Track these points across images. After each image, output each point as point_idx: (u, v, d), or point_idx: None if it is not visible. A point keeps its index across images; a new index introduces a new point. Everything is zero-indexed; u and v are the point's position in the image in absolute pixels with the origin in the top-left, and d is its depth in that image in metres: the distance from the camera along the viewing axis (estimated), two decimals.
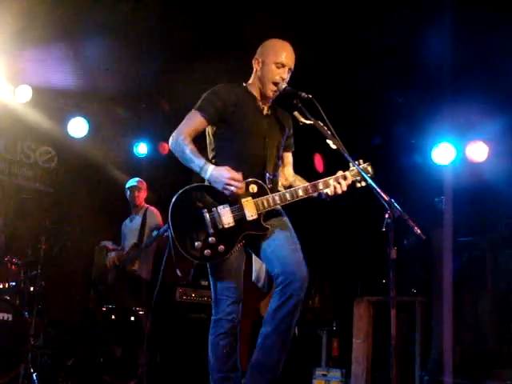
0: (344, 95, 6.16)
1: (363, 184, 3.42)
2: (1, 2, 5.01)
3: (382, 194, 3.01)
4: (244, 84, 3.58)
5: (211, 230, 3.23)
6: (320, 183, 3.42)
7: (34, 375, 5.18)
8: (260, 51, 3.54)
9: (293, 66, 3.47)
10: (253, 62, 3.55)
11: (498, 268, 6.16)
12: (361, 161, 3.41)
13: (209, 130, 3.51)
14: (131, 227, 6.54)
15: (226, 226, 3.25)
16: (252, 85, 3.56)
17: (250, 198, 3.31)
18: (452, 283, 5.96)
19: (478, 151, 6.38)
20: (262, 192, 3.34)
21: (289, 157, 3.74)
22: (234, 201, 3.29)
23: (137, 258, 6.30)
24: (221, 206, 3.28)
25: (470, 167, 6.36)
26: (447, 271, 6.05)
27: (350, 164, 3.40)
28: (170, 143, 3.42)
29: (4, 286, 5.44)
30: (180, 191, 3.30)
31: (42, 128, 6.85)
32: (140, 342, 5.86)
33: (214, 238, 3.23)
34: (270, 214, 3.39)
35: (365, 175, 3.16)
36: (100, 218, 7.12)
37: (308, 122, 3.30)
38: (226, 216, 3.26)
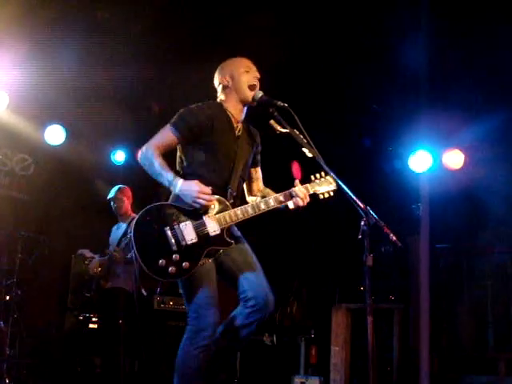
0: (321, 103, 6.18)
1: (326, 195, 3.52)
2: None
3: (358, 201, 3.03)
4: (219, 101, 3.58)
5: (174, 248, 3.22)
6: (281, 196, 3.48)
7: None
8: (223, 71, 3.58)
9: (258, 74, 3.53)
10: (218, 83, 3.58)
11: (473, 275, 6.22)
12: (322, 173, 3.48)
13: (179, 145, 3.52)
14: (116, 235, 6.45)
15: (189, 243, 3.24)
16: (227, 101, 3.55)
17: (212, 214, 3.33)
18: (429, 290, 6.01)
19: (455, 159, 6.43)
20: (224, 208, 3.37)
21: (257, 172, 3.76)
22: (196, 217, 3.30)
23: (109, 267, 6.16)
24: (183, 223, 3.28)
25: (447, 175, 6.41)
26: (424, 278, 6.10)
27: (312, 176, 3.50)
28: (139, 155, 3.42)
29: None
30: (142, 210, 3.29)
31: (19, 135, 6.79)
32: (118, 351, 5.81)
33: (177, 255, 3.21)
34: (233, 237, 3.42)
35: (341, 184, 3.17)
36: (78, 227, 7.07)
37: (284, 130, 3.32)
38: (189, 232, 3.26)
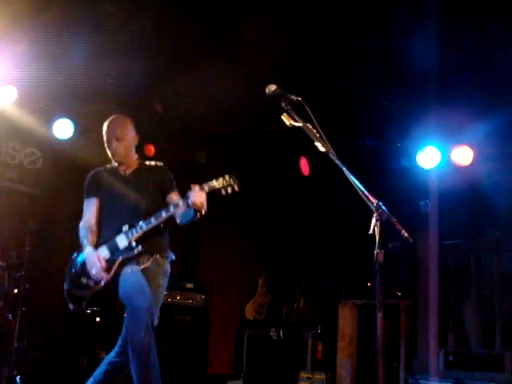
0: (331, 99, 6.17)
1: (229, 190, 3.97)
2: None
3: (370, 196, 3.02)
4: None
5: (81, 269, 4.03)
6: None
7: (18, 378, 5.14)
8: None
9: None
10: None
11: (481, 271, 6.21)
12: (226, 176, 3.97)
13: None
14: None
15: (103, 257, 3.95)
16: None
17: (121, 234, 4.00)
18: (437, 286, 6.01)
19: (464, 155, 6.42)
20: (131, 226, 4.00)
21: (173, 196, 4.19)
22: (111, 239, 4.03)
23: None
24: (99, 248, 4.02)
25: (455, 171, 6.39)
26: (433, 274, 6.09)
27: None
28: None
29: None
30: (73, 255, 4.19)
31: (27, 129, 6.80)
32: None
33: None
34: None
35: (352, 178, 3.16)
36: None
37: (297, 124, 3.30)
38: (103, 252, 3.98)
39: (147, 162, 4.35)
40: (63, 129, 7.06)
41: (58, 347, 6.28)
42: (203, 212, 3.97)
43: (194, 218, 4.02)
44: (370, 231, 3.01)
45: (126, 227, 4.01)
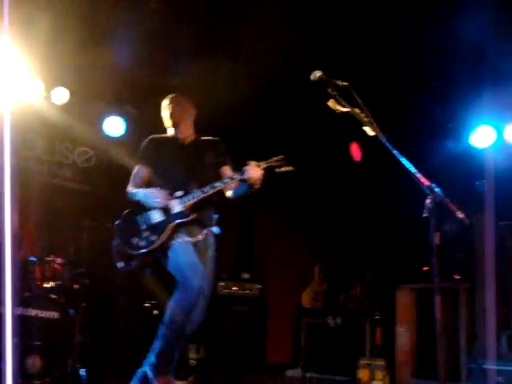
0: (379, 81, 6.10)
1: (283, 170, 4.16)
2: (36, 6, 5.08)
3: (423, 179, 2.98)
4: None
5: (144, 227, 4.02)
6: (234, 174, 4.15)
7: (82, 371, 5.27)
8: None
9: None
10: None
11: None
12: (282, 156, 4.19)
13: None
14: None
15: (155, 222, 4.01)
16: None
17: (175, 198, 4.06)
18: (496, 268, 5.88)
19: None
20: (187, 193, 4.08)
21: (227, 170, 4.35)
22: (163, 203, 4.07)
23: None
24: (150, 210, 4.07)
25: (510, 150, 6.25)
26: (489, 256, 5.97)
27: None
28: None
29: (50, 285, 5.53)
30: (122, 214, 4.20)
31: (80, 128, 6.93)
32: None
33: (147, 233, 3.99)
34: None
35: (405, 161, 3.12)
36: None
37: (344, 109, 3.27)
38: (155, 215, 4.03)
39: (203, 137, 4.46)
40: (114, 126, 7.18)
41: (119, 341, 6.39)
42: (256, 188, 4.06)
43: (246, 192, 4.12)
44: (425, 214, 2.97)
45: (180, 193, 4.07)
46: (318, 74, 3.39)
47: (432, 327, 3.00)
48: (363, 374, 6.17)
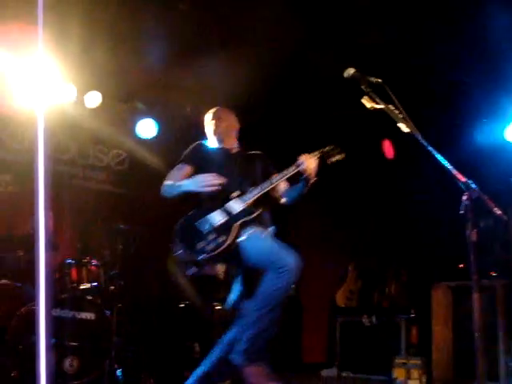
0: (412, 78, 6.05)
1: (335, 159, 4.13)
2: (69, 12, 5.15)
3: (459, 175, 2.94)
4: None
5: (208, 230, 3.87)
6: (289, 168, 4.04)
7: (119, 371, 5.33)
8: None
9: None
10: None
11: None
12: (332, 145, 4.17)
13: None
14: None
15: (219, 224, 3.87)
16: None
17: (234, 199, 3.96)
18: None
19: None
20: (243, 193, 4.00)
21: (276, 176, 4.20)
22: (221, 205, 3.95)
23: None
24: (211, 213, 3.93)
25: None
26: None
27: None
28: (162, 190, 4.23)
29: (86, 287, 5.60)
30: (181, 220, 4.05)
31: (113, 131, 7.01)
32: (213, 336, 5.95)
33: (213, 235, 3.83)
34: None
35: (440, 158, 3.08)
36: (172, 217, 7.22)
37: (378, 106, 3.25)
38: (217, 216, 3.90)
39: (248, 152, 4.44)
40: (147, 128, 7.25)
41: (155, 341, 6.44)
42: (312, 181, 4.00)
43: (302, 191, 4.06)
44: (461, 210, 2.94)
45: (236, 193, 3.99)
46: (351, 71, 3.38)
47: (469, 325, 2.96)
48: (399, 373, 6.12)
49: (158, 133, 7.29)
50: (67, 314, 5.20)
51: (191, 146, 4.35)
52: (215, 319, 6.22)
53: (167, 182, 4.21)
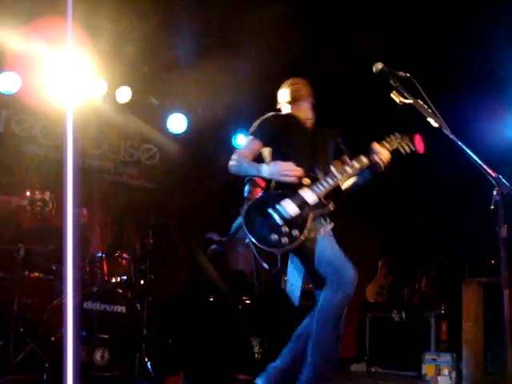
0: (442, 71, 5.99)
1: (407, 149, 4.07)
2: (99, 7, 5.20)
3: (489, 170, 2.92)
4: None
5: (281, 222, 3.63)
6: (362, 157, 3.92)
7: (149, 364, 5.38)
8: None
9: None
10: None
11: None
12: (403, 134, 4.09)
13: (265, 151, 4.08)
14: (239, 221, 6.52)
15: (293, 215, 3.66)
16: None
17: (305, 187, 3.76)
18: None
19: None
20: (315, 180, 3.80)
21: (346, 160, 4.09)
22: (293, 194, 3.74)
23: (223, 249, 6.31)
24: (283, 201, 3.69)
25: None
26: None
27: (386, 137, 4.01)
28: (229, 164, 3.96)
29: (117, 280, 5.66)
30: (249, 202, 3.83)
31: (143, 126, 7.07)
32: (242, 330, 5.97)
33: (286, 228, 3.61)
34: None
35: (470, 153, 3.05)
36: (203, 212, 7.27)
37: (407, 101, 3.23)
38: (290, 207, 3.67)
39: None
40: (177, 123, 7.29)
41: (185, 334, 6.48)
42: (381, 172, 3.95)
43: (368, 180, 4.01)
44: (492, 206, 2.91)
45: (307, 180, 3.81)
46: (379, 65, 3.38)
47: (500, 322, 2.94)
48: (429, 370, 6.07)
49: (188, 128, 7.32)
50: (98, 306, 5.27)
51: (263, 118, 4.09)
52: (244, 313, 6.24)
53: (235, 158, 3.96)
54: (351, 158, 4.02)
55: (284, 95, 4.27)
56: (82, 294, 5.18)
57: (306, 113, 4.19)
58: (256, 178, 6.39)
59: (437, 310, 6.53)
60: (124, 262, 5.83)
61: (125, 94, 6.71)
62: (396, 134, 4.10)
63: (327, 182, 3.79)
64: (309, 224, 3.67)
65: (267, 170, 3.83)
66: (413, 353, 6.36)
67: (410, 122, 3.86)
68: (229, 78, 6.28)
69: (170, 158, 7.62)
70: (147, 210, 6.75)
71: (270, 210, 3.67)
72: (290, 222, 3.64)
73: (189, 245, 7.23)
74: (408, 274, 7.35)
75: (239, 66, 6.14)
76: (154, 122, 7.26)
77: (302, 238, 3.61)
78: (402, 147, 4.07)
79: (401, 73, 3.26)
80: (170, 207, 7.35)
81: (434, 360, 6.11)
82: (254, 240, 3.62)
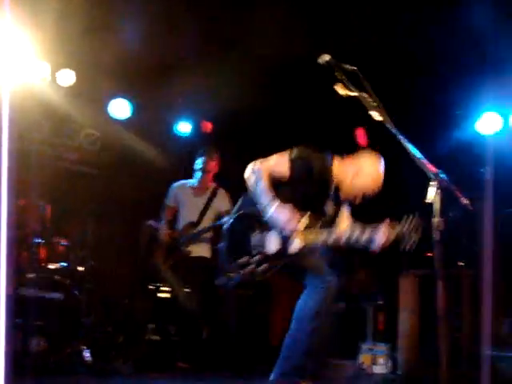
0: (387, 66, 6.08)
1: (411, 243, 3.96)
2: None
3: (429, 165, 2.97)
4: None
5: (255, 252, 3.62)
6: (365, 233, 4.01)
7: (87, 351, 5.31)
8: None
9: None
10: None
11: None
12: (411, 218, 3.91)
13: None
14: (197, 202, 6.48)
15: (269, 251, 3.64)
16: None
17: (299, 230, 3.66)
18: (497, 255, 5.87)
19: None
20: (312, 225, 3.75)
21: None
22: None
23: (191, 241, 6.28)
24: (268, 232, 3.66)
25: None
26: (488, 242, 5.95)
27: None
28: (247, 177, 3.74)
29: (54, 267, 5.56)
30: (236, 215, 3.75)
31: (85, 111, 6.93)
32: (194, 319, 5.98)
33: (259, 257, 3.61)
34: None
35: (410, 147, 3.10)
36: (144, 199, 7.20)
37: (352, 94, 3.22)
38: (272, 242, 3.64)
39: None
40: (120, 109, 7.18)
41: (124, 323, 6.43)
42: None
43: None
44: (428, 199, 2.97)
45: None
46: (326, 57, 3.34)
47: (435, 313, 3.01)
48: (365, 359, 6.19)
49: (132, 114, 7.22)
50: (35, 293, 5.16)
51: (312, 152, 3.93)
52: (190, 303, 6.20)
53: (256, 172, 3.74)
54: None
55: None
56: (18, 280, 5.06)
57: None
58: (210, 162, 6.33)
59: (374, 300, 6.65)
60: (63, 248, 5.74)
61: (68, 77, 6.56)
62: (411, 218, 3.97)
63: (318, 238, 3.75)
64: (274, 268, 3.63)
65: (276, 213, 3.62)
66: (350, 342, 6.46)
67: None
68: (174, 64, 6.22)
69: (113, 144, 7.50)
70: (89, 197, 6.66)
71: (252, 236, 3.67)
72: (264, 255, 3.64)
73: (131, 232, 7.14)
74: (347, 265, 7.43)
75: (186, 47, 6.10)
76: (97, 106, 7.12)
77: (268, 275, 3.62)
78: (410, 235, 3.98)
79: (347, 65, 3.25)
80: (111, 194, 7.25)
81: (371, 350, 6.22)
82: (226, 256, 3.67)
